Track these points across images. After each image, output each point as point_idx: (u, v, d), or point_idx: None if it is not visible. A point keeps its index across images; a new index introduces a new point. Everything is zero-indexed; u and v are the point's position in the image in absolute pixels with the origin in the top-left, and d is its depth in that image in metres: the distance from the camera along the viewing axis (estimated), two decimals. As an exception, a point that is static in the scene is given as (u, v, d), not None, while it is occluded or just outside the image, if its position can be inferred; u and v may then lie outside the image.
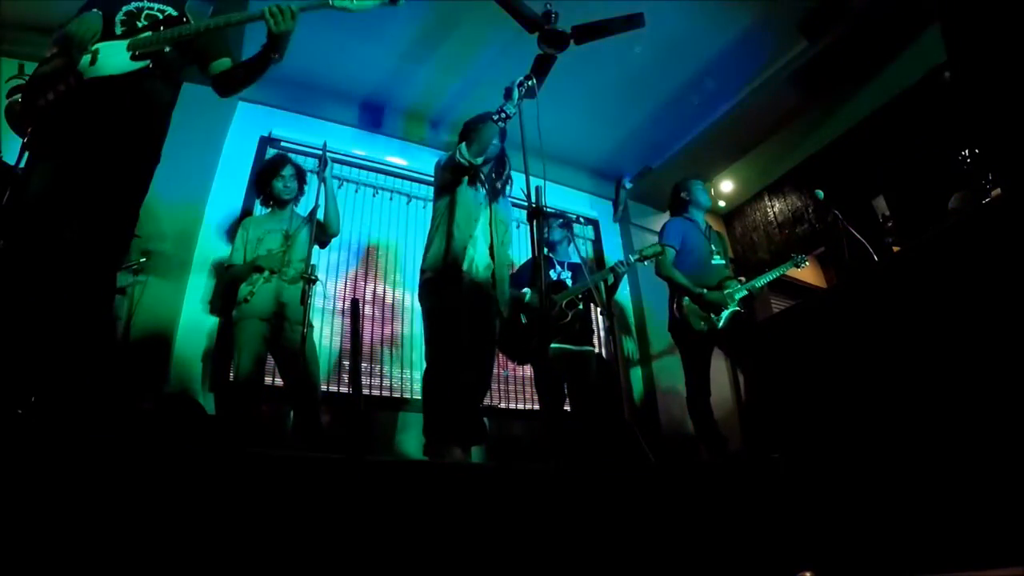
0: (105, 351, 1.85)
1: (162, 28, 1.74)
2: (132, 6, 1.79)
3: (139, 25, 1.76)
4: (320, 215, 2.75)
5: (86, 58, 1.66)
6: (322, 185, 2.70)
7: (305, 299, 2.34)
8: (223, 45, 1.95)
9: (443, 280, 2.41)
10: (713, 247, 3.33)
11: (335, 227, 2.89)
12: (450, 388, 2.33)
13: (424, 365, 2.48)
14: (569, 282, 3.30)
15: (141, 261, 2.85)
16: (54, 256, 1.56)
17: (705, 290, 3.13)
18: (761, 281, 3.28)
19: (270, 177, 2.96)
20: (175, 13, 1.80)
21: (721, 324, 3.09)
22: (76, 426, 1.41)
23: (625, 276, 4.52)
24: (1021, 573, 0.85)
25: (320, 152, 2.74)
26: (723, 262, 3.31)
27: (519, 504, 1.12)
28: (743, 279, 3.30)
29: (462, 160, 2.43)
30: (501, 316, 2.61)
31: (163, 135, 1.83)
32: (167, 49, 1.77)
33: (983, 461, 1.09)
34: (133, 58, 1.70)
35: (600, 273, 3.32)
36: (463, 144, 2.48)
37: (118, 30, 1.74)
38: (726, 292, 3.15)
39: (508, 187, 2.72)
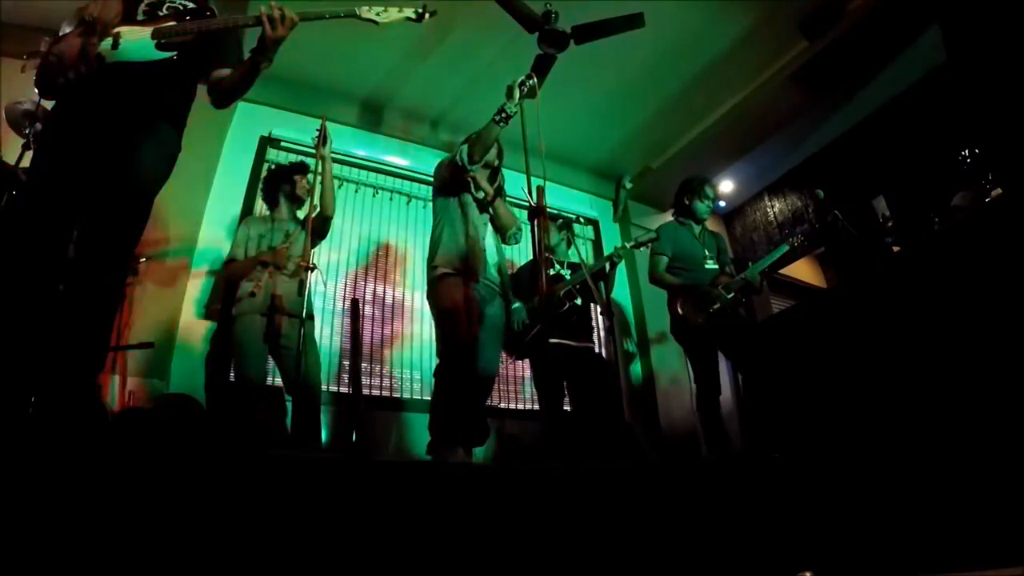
0: (106, 352, 1.80)
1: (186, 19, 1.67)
2: None
3: (160, 15, 1.69)
4: (316, 197, 2.64)
5: (107, 41, 1.59)
6: (320, 162, 2.65)
7: (304, 289, 2.31)
8: (233, 54, 1.85)
9: (455, 278, 2.42)
10: (707, 251, 3.31)
11: (330, 209, 2.80)
12: (459, 387, 2.33)
13: (424, 364, 2.48)
14: (567, 276, 3.29)
15: (141, 262, 2.85)
16: (59, 252, 1.51)
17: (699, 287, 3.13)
18: (757, 267, 3.19)
19: (285, 180, 2.94)
20: (194, 7, 1.73)
21: (720, 308, 3.06)
22: (76, 426, 1.40)
23: (624, 276, 4.57)
24: (1021, 573, 0.85)
25: (319, 128, 2.68)
26: (717, 266, 3.28)
27: (520, 504, 1.12)
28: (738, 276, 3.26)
29: (461, 162, 2.44)
30: (506, 315, 2.63)
31: (182, 129, 1.76)
32: (190, 41, 1.68)
33: (983, 461, 1.09)
34: (159, 47, 1.62)
35: (598, 261, 3.29)
36: (465, 145, 2.49)
37: (139, 17, 1.68)
38: (720, 287, 3.12)
39: (502, 194, 2.74)
